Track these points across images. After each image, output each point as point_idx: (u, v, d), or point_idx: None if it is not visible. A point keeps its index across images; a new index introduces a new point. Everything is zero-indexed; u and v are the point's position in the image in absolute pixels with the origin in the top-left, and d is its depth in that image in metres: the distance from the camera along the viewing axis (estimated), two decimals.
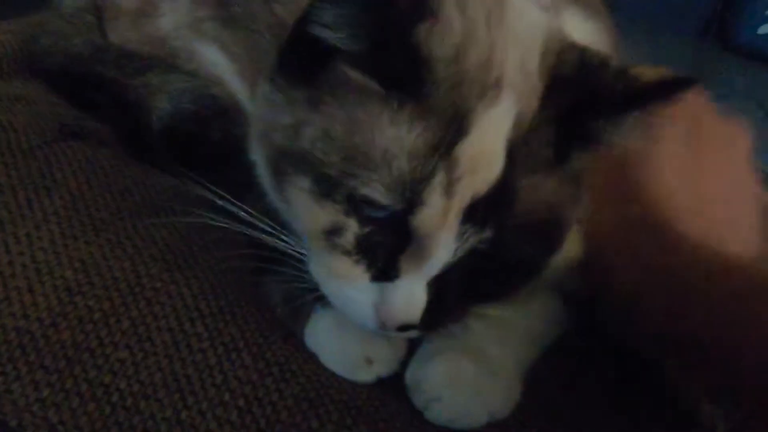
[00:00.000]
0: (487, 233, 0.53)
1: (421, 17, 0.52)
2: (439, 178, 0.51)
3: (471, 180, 0.52)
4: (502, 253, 0.54)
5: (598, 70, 0.55)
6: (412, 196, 0.51)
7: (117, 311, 0.59)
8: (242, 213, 0.62)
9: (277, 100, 0.58)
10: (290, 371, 0.60)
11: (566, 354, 0.69)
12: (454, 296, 0.56)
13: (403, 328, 0.56)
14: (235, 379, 0.58)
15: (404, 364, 0.64)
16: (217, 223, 0.63)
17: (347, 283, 0.56)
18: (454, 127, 0.52)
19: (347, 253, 0.55)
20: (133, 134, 0.82)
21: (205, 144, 0.80)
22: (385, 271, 0.55)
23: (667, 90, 0.54)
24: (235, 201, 0.62)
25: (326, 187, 0.54)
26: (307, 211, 0.56)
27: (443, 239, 0.52)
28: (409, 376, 0.63)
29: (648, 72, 0.56)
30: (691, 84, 0.54)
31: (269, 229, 0.61)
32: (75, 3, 0.94)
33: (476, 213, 0.52)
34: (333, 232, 0.55)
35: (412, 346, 0.65)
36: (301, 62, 0.57)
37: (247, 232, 0.62)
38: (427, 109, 0.52)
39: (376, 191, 0.52)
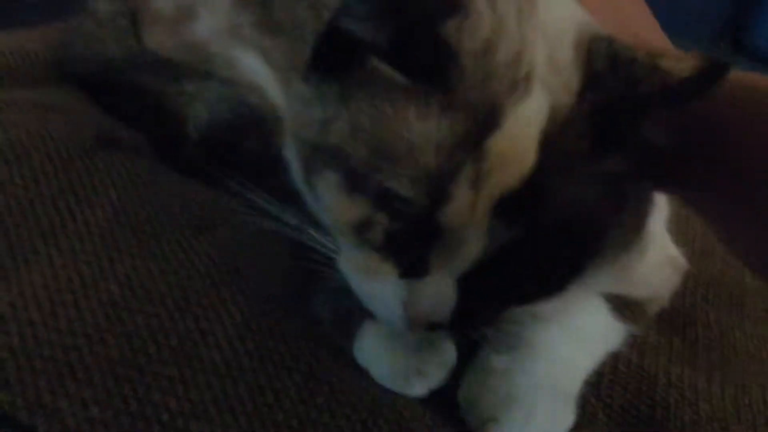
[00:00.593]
0: (519, 230, 0.51)
1: (452, 12, 0.51)
2: (467, 172, 0.50)
3: (501, 174, 0.50)
4: (535, 252, 0.53)
5: (629, 64, 0.53)
6: (439, 189, 0.50)
7: (165, 327, 0.58)
8: (283, 219, 0.61)
9: (309, 95, 0.57)
10: (341, 390, 0.58)
11: None
12: (485, 296, 0.55)
13: (432, 326, 0.55)
14: (286, 398, 0.56)
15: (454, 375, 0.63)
16: (260, 227, 0.61)
17: (375, 279, 0.55)
18: (484, 120, 0.50)
19: (376, 248, 0.55)
20: (169, 143, 0.80)
21: (242, 153, 0.78)
22: (414, 268, 0.54)
23: (704, 82, 0.51)
24: (272, 208, 0.61)
25: (355, 182, 0.53)
26: (337, 206, 0.55)
27: (472, 235, 0.51)
28: (463, 395, 0.62)
29: (676, 62, 0.52)
30: (727, 70, 0.51)
31: (312, 233, 0.60)
32: (110, 8, 0.93)
33: (507, 209, 0.51)
34: (362, 227, 0.54)
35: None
36: (332, 57, 0.56)
37: (290, 235, 0.61)
38: (455, 102, 0.51)
39: (402, 185, 0.51)
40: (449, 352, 0.62)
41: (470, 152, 0.50)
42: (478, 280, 0.53)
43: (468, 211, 0.50)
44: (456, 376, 0.64)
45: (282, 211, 0.62)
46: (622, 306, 0.72)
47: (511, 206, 0.51)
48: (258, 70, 0.83)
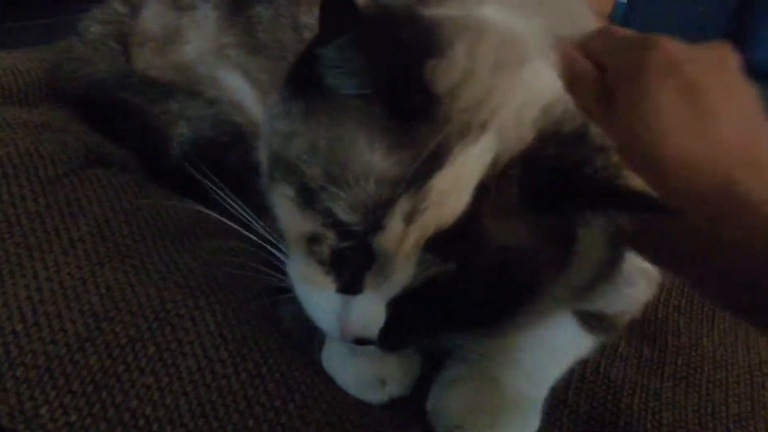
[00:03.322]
0: (450, 265, 0.53)
1: (432, 53, 0.54)
2: (402, 206, 0.52)
3: (436, 212, 0.52)
4: (465, 288, 0.54)
5: (588, 149, 0.54)
6: (374, 218, 0.52)
7: (143, 337, 0.60)
8: (259, 233, 0.63)
9: (279, 109, 0.60)
10: (312, 397, 0.60)
11: None
12: (416, 320, 0.57)
13: (361, 341, 0.57)
14: (258, 405, 0.59)
15: (419, 387, 0.65)
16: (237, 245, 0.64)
17: (316, 290, 0.58)
18: (429, 160, 0.52)
19: (321, 262, 0.57)
20: (155, 160, 0.83)
21: (224, 169, 0.81)
22: (349, 285, 0.56)
23: (639, 202, 0.52)
24: (252, 223, 0.63)
25: (307, 198, 0.56)
26: (289, 218, 0.58)
27: (402, 263, 0.53)
28: (431, 402, 0.64)
29: (633, 179, 0.53)
30: (665, 209, 0.50)
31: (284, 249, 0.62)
32: (100, 30, 0.97)
33: (439, 244, 0.53)
34: (312, 240, 0.57)
35: (427, 369, 0.66)
36: (305, 77, 0.58)
37: (265, 253, 0.63)
38: (407, 140, 0.53)
39: (341, 209, 0.53)
40: (413, 362, 0.65)
41: (410, 188, 0.52)
42: (409, 305, 0.55)
43: (399, 242, 0.52)
44: (427, 384, 0.66)
45: (254, 222, 0.64)
46: (591, 317, 0.74)
47: (443, 242, 0.53)
48: (241, 89, 0.87)
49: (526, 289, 0.57)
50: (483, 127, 0.54)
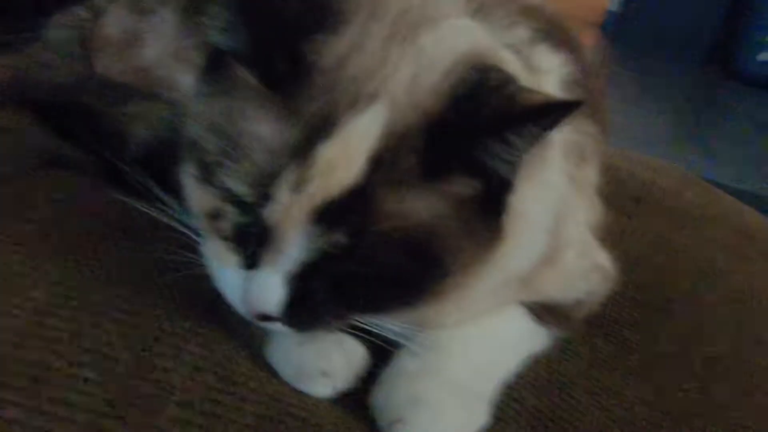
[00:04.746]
0: (340, 237, 0.54)
1: (321, 28, 0.56)
2: (289, 176, 0.53)
3: (324, 181, 0.53)
4: (366, 262, 0.55)
5: (487, 93, 0.55)
6: (263, 190, 0.54)
7: (84, 331, 0.61)
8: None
9: (193, 94, 0.63)
10: (253, 389, 0.61)
11: None
12: (322, 298, 0.58)
13: (265, 318, 0.58)
14: (197, 397, 0.59)
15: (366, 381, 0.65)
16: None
17: (224, 267, 0.59)
18: (318, 129, 0.54)
19: (225, 238, 0.59)
20: (112, 163, 0.84)
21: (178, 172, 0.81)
22: (250, 261, 0.57)
23: (544, 113, 0.54)
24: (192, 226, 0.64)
25: (206, 174, 0.57)
26: (192, 195, 0.60)
27: (290, 235, 0.54)
28: (373, 396, 0.64)
29: (531, 94, 0.55)
30: (574, 108, 0.53)
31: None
32: (62, 35, 0.97)
33: (328, 216, 0.53)
34: (214, 217, 0.58)
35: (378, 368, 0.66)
36: (212, 61, 0.61)
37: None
38: (294, 110, 0.54)
39: (233, 181, 0.55)
40: (357, 355, 0.65)
41: (296, 157, 0.53)
42: (312, 282, 0.56)
43: (287, 213, 0.53)
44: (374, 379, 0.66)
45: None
46: (544, 311, 0.74)
47: (333, 214, 0.53)
48: None
49: (433, 266, 0.57)
50: (372, 97, 0.55)
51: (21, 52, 1.00)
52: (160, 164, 0.78)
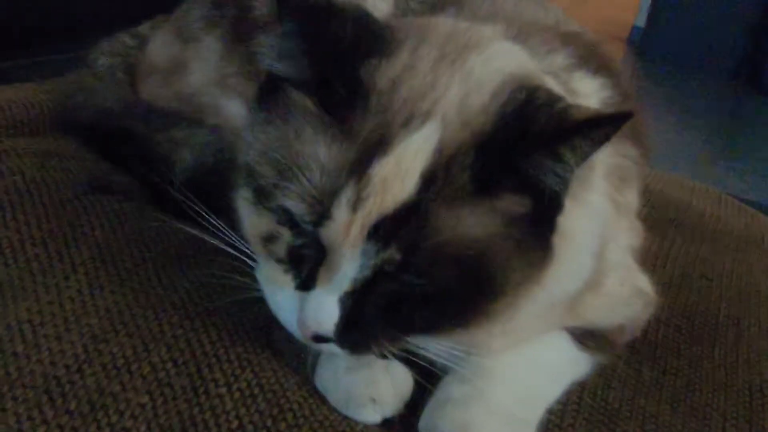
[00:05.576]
0: (394, 254, 0.55)
1: (374, 53, 0.58)
2: (347, 194, 0.55)
3: (379, 199, 0.54)
4: (419, 279, 0.56)
5: (538, 108, 0.56)
6: (321, 209, 0.55)
7: (139, 357, 0.62)
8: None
9: (247, 122, 0.65)
10: (303, 416, 0.61)
11: None
12: (375, 319, 0.58)
13: (320, 339, 0.58)
14: (250, 424, 0.59)
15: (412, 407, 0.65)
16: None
17: (278, 289, 0.61)
18: (373, 148, 0.55)
19: (280, 261, 0.60)
20: (157, 187, 0.85)
21: (224, 196, 0.83)
22: (305, 282, 0.58)
23: (594, 126, 0.54)
24: (247, 250, 0.65)
25: (262, 198, 0.59)
26: (248, 219, 0.62)
27: (348, 253, 0.55)
28: (423, 422, 0.64)
29: (581, 109, 0.56)
30: (625, 120, 0.54)
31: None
32: (109, 61, 1.00)
33: (383, 232, 0.55)
34: (269, 240, 0.60)
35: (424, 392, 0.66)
36: (267, 89, 0.63)
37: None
38: (350, 131, 0.56)
39: (293, 202, 0.56)
40: (404, 381, 0.65)
41: (353, 176, 0.55)
42: (366, 302, 0.57)
43: (344, 231, 0.55)
44: (421, 405, 0.66)
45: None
46: (587, 337, 0.74)
47: (387, 230, 0.54)
48: (242, 116, 0.88)
49: (485, 284, 0.58)
50: (425, 116, 0.56)
51: (66, 78, 1.03)
52: (205, 189, 0.79)
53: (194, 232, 0.68)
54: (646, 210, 0.86)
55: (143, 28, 1.04)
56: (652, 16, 4.57)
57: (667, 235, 1.04)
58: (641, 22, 4.65)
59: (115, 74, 0.98)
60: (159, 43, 0.98)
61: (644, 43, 4.56)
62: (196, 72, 0.94)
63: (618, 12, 4.71)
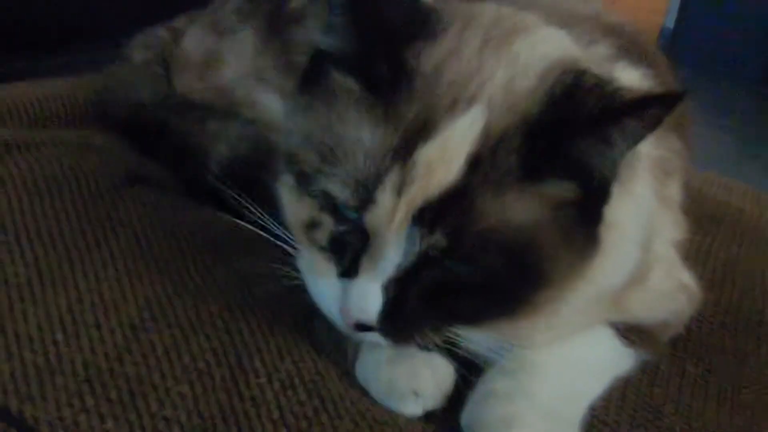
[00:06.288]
0: (440, 239, 0.54)
1: (421, 35, 0.57)
2: (392, 178, 0.54)
3: (424, 183, 0.53)
4: (464, 265, 0.55)
5: (585, 92, 0.55)
6: (366, 193, 0.54)
7: (178, 347, 0.61)
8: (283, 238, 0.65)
9: (289, 109, 0.64)
10: (344, 408, 0.60)
11: None
12: (419, 307, 0.57)
13: (362, 327, 0.58)
14: (291, 414, 0.59)
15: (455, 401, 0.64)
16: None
17: (320, 278, 0.60)
18: (418, 132, 0.54)
19: (322, 249, 0.59)
20: (193, 179, 0.85)
21: (260, 188, 0.82)
22: (347, 269, 0.57)
23: (645, 106, 0.53)
24: (288, 239, 0.64)
25: (305, 184, 0.58)
26: (290, 206, 0.61)
27: (393, 238, 0.54)
28: (465, 416, 0.63)
29: (631, 90, 0.55)
30: (676, 101, 0.53)
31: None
32: (144, 56, 1.00)
33: (428, 216, 0.54)
34: (311, 227, 0.59)
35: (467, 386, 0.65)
36: (310, 74, 0.62)
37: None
38: (395, 114, 0.55)
39: (336, 186, 0.55)
40: (446, 374, 0.64)
41: (398, 160, 0.54)
42: (409, 289, 0.56)
43: (389, 215, 0.54)
44: (463, 399, 0.65)
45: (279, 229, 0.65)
46: (630, 332, 0.73)
47: (432, 214, 0.53)
48: (277, 109, 0.88)
49: (530, 272, 0.57)
50: (470, 100, 0.55)
51: (103, 72, 1.03)
52: (241, 181, 0.79)
53: (235, 220, 0.68)
54: (687, 205, 0.85)
55: (178, 21, 1.04)
56: (681, 18, 4.52)
57: (709, 231, 1.01)
58: (671, 23, 4.60)
59: (151, 68, 0.99)
60: (194, 37, 0.99)
61: (673, 46, 4.51)
62: (231, 65, 0.94)
63: (647, 14, 4.67)
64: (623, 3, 4.44)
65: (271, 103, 0.90)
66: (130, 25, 1.04)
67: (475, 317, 0.60)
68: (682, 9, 4.51)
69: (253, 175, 0.83)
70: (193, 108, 0.91)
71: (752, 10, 4.27)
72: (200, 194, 0.83)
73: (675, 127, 0.78)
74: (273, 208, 0.70)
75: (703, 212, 1.08)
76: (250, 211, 0.67)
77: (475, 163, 0.54)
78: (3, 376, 0.58)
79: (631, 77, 0.72)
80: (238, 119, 0.90)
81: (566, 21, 0.71)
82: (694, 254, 0.91)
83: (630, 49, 0.75)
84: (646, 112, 0.53)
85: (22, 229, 0.70)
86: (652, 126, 0.54)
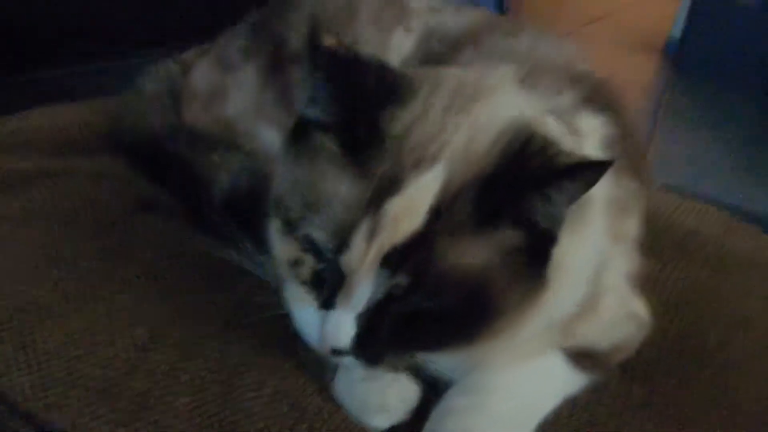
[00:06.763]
0: (404, 278, 0.62)
1: (393, 101, 0.66)
2: (364, 227, 0.62)
3: (392, 231, 0.62)
4: (425, 301, 0.64)
5: (533, 153, 0.63)
6: (342, 239, 0.63)
7: (179, 365, 0.71)
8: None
9: (281, 157, 0.73)
10: (322, 419, 0.70)
11: None
12: (386, 335, 0.66)
13: (338, 352, 0.66)
14: (275, 425, 0.68)
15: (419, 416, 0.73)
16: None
17: (303, 308, 0.69)
18: (387, 188, 0.63)
19: (305, 283, 0.68)
20: (197, 207, 0.94)
21: (258, 218, 0.91)
22: (326, 302, 0.66)
23: (580, 170, 0.62)
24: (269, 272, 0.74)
25: (289, 228, 0.67)
26: (276, 246, 0.70)
27: (364, 278, 0.63)
28: (426, 429, 0.72)
29: (570, 155, 0.63)
30: (607, 166, 0.61)
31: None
32: (156, 87, 1.09)
33: (393, 260, 0.62)
34: (296, 264, 0.68)
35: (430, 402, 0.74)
36: (298, 129, 0.71)
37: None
38: (368, 171, 0.64)
39: (317, 232, 0.64)
40: (411, 392, 0.73)
41: (371, 211, 0.63)
42: (378, 321, 0.65)
43: (361, 259, 0.63)
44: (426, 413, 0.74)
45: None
46: (582, 356, 0.81)
47: (397, 258, 0.62)
48: (276, 143, 0.96)
49: (484, 307, 0.65)
50: (433, 159, 0.64)
51: (117, 99, 1.12)
52: (240, 211, 0.88)
53: (229, 258, 0.77)
54: (652, 236, 0.92)
55: (187, 55, 1.13)
56: (688, 27, 4.52)
57: (671, 259, 1.09)
58: (678, 32, 4.61)
59: (162, 99, 1.07)
60: (201, 71, 1.07)
61: (680, 54, 4.52)
62: (234, 99, 1.02)
63: (654, 23, 4.68)
64: (630, 12, 4.48)
65: (271, 137, 0.98)
66: (126, 38, 1.11)
67: (437, 344, 0.69)
68: (690, 18, 4.51)
69: (251, 206, 0.92)
70: (199, 139, 0.99)
71: (760, 20, 4.26)
72: (204, 223, 0.92)
73: (631, 168, 0.86)
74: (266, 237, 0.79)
75: (669, 240, 1.15)
76: (243, 244, 0.76)
77: (436, 214, 0.63)
78: (29, 386, 0.68)
79: (591, 125, 0.80)
80: (240, 151, 0.98)
81: (535, 72, 0.79)
82: (651, 283, 0.99)
83: (593, 98, 0.83)
84: (581, 175, 0.62)
85: (43, 256, 0.79)
86: (586, 187, 0.63)
